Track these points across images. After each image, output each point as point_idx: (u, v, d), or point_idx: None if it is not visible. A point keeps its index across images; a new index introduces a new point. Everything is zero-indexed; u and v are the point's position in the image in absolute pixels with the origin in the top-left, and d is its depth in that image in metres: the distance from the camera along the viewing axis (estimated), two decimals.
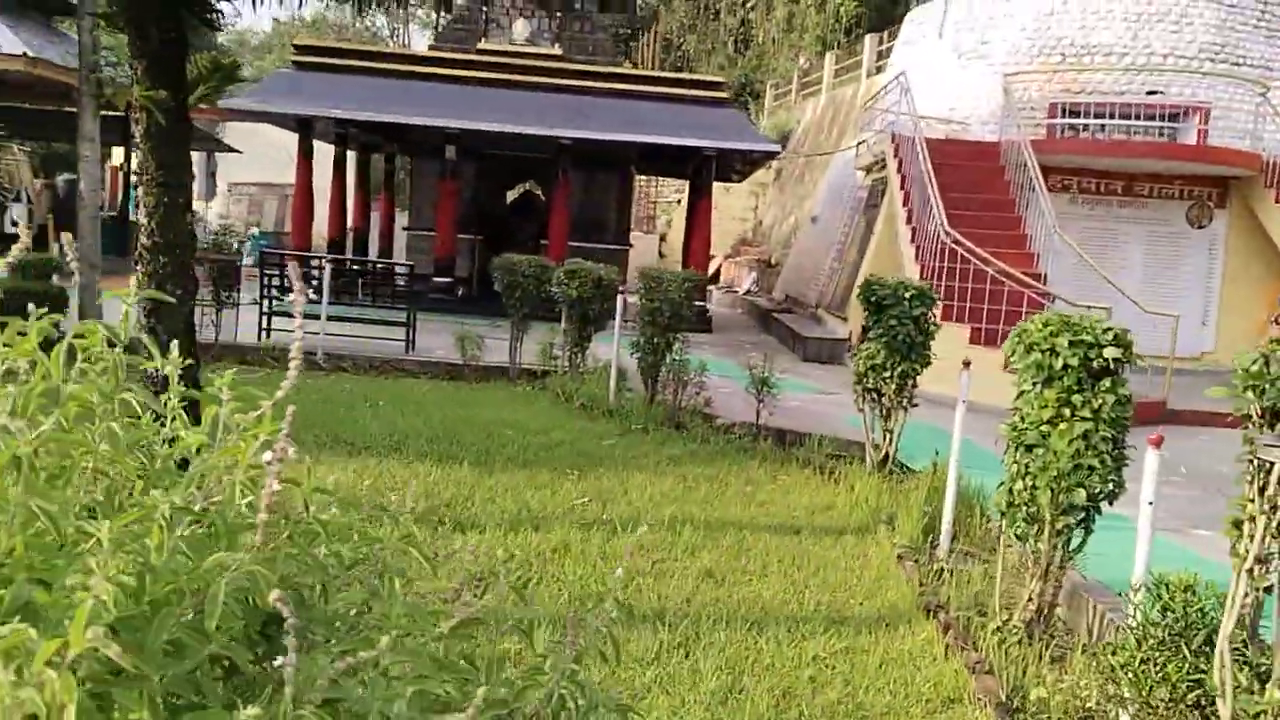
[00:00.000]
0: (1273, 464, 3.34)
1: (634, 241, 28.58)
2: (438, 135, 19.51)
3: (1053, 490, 5.15)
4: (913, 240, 14.51)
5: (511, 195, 24.96)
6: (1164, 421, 12.69)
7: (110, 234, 26.82)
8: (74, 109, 25.05)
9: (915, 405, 8.75)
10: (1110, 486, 5.20)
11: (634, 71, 20.97)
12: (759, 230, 34.12)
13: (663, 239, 35.81)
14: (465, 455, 8.37)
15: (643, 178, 38.33)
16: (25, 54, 18.26)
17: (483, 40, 21.31)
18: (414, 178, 22.54)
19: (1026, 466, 5.28)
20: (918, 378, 8.72)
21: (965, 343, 12.82)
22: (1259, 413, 3.36)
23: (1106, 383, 5.20)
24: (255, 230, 33.51)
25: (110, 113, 25.35)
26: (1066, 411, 5.19)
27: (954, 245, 13.10)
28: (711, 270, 33.36)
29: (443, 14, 22.16)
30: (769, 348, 18.14)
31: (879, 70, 25.06)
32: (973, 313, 12.89)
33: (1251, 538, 3.47)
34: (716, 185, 32.85)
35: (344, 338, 13.65)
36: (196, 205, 34.54)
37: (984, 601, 5.74)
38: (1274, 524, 3.33)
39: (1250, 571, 3.51)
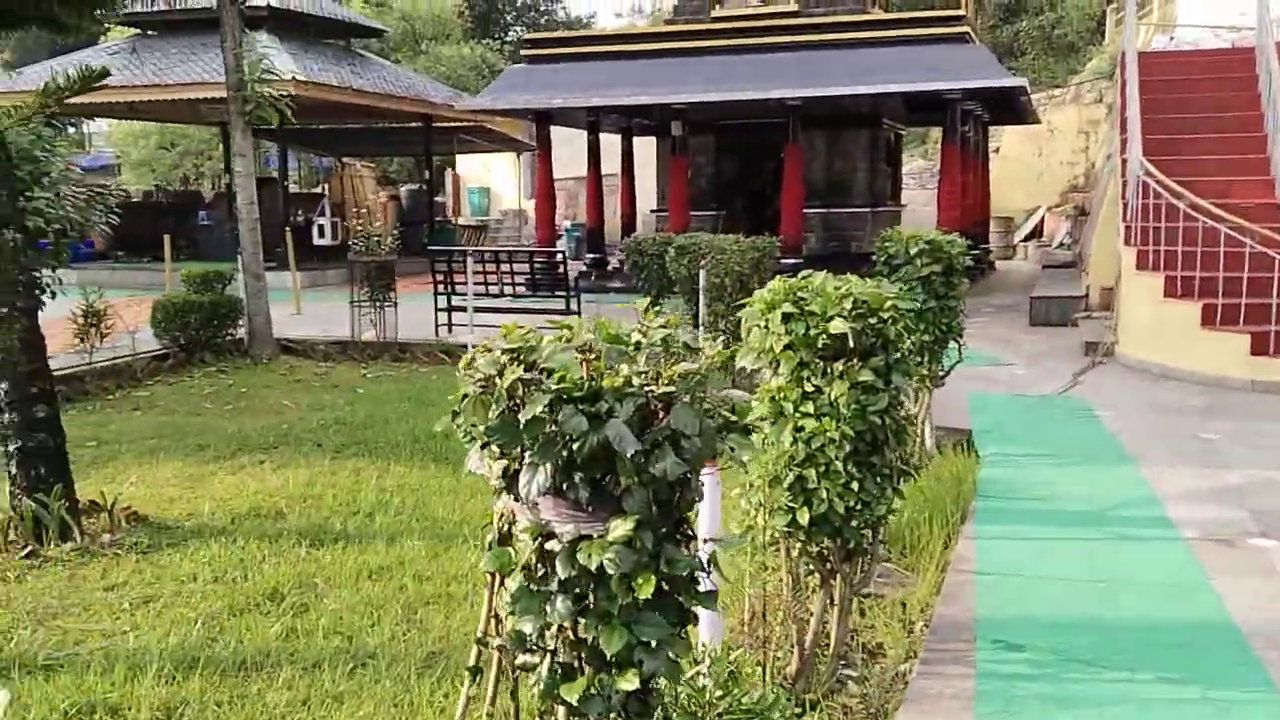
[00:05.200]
0: None
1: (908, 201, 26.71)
2: (669, 113, 19.06)
3: (763, 506, 3.92)
4: (1123, 174, 12.09)
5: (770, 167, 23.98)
6: None
7: (444, 238, 28.32)
8: (359, 125, 27.08)
9: (941, 384, 7.26)
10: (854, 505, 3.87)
11: (867, 18, 19.29)
12: (1090, 175, 30.44)
13: None
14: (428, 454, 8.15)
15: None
16: (294, 77, 19.67)
17: (717, 7, 20.57)
18: (658, 158, 22.24)
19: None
20: (957, 350, 7.24)
21: (1160, 296, 10.49)
22: None
23: (845, 365, 3.87)
24: (568, 223, 34.86)
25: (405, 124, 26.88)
26: (789, 407, 3.93)
27: (1146, 178, 10.72)
28: (1034, 223, 30.44)
29: None
30: (1015, 310, 15.96)
31: None
32: (1168, 258, 10.48)
33: None
34: (1040, 128, 29.86)
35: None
36: (519, 204, 35.99)
37: None
38: None
39: None
